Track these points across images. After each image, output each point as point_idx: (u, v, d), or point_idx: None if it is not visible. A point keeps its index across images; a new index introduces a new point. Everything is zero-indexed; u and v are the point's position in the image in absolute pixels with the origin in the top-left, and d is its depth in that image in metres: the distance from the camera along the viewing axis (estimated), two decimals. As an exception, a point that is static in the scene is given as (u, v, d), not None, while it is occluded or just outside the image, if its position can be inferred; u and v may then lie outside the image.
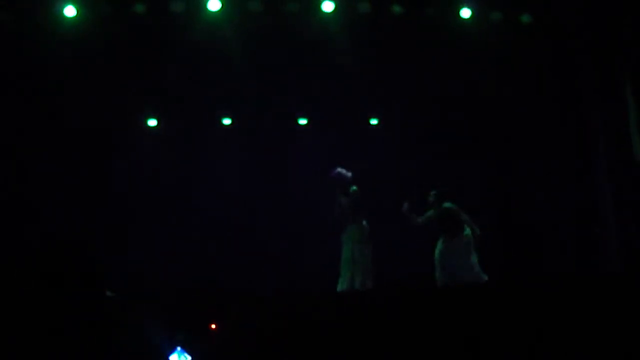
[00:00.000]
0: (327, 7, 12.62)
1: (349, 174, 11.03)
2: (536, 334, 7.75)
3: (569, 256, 12.77)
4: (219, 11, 12.45)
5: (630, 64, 12.14)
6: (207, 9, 12.41)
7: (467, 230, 11.11)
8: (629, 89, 12.09)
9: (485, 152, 14.30)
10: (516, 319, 7.87)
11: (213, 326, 7.49)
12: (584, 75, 12.96)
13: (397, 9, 12.78)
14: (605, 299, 8.02)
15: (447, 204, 11.20)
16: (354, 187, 10.89)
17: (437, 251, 11.24)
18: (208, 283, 12.62)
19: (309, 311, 7.96)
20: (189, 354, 7.13)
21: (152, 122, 14.54)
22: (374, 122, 15.12)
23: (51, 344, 7.23)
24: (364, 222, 10.94)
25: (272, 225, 14.24)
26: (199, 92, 13.82)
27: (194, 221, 14.08)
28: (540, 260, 12.23)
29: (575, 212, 13.12)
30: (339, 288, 10.82)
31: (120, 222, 13.67)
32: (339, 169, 11.07)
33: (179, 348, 7.07)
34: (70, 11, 11.91)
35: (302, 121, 15.05)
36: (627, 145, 12.11)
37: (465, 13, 12.78)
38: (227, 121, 14.87)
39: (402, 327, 7.63)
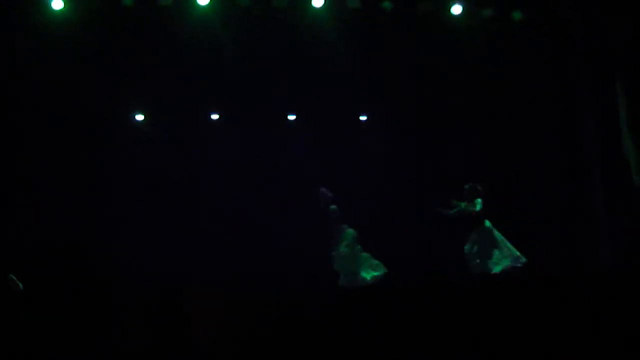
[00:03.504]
0: (317, 2, 12.55)
1: (330, 194, 11.84)
2: (528, 329, 7.76)
3: (559, 253, 12.78)
4: (207, 5, 12.37)
5: (622, 61, 12.13)
6: (196, 2, 12.32)
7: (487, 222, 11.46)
8: (620, 86, 12.09)
9: (476, 148, 14.27)
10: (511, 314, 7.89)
11: None
12: (575, 72, 12.94)
13: (387, 5, 12.72)
14: (596, 295, 8.04)
15: (479, 200, 11.45)
16: (333, 207, 11.76)
17: (470, 244, 11.46)
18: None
19: (306, 308, 7.96)
20: None
21: (140, 117, 14.43)
22: (363, 117, 15.06)
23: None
24: (349, 231, 11.74)
25: (261, 220, 14.13)
26: (187, 86, 13.68)
27: (182, 218, 13.99)
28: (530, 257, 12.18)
29: (566, 210, 13.14)
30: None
31: (111, 220, 13.54)
32: (322, 189, 11.88)
33: None
34: (57, 4, 11.79)
35: (291, 116, 14.97)
36: (618, 142, 12.12)
37: (456, 9, 12.75)
38: (215, 116, 14.77)
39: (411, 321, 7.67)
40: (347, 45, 13.18)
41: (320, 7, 12.65)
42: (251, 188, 14.29)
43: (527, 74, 13.55)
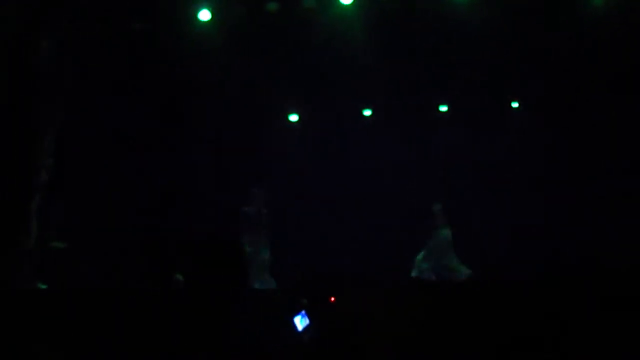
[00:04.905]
0: (461, -8, 12.42)
1: (266, 196, 11.95)
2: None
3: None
4: (351, 4, 12.50)
5: None
6: (339, 2, 12.47)
7: None
8: None
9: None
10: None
11: (332, 299, 7.91)
12: None
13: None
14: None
15: None
16: (265, 211, 11.88)
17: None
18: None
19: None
20: (310, 318, 7.61)
21: (294, 118, 14.85)
22: (515, 105, 14.79)
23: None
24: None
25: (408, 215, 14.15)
26: (336, 85, 13.89)
27: (338, 215, 14.23)
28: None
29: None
30: None
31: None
32: (256, 189, 12.01)
33: (302, 312, 7.54)
34: (205, 15, 12.28)
35: (443, 108, 14.93)
36: None
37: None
38: (367, 112, 14.96)
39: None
40: (494, 35, 12.91)
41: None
42: (406, 182, 14.35)
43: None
